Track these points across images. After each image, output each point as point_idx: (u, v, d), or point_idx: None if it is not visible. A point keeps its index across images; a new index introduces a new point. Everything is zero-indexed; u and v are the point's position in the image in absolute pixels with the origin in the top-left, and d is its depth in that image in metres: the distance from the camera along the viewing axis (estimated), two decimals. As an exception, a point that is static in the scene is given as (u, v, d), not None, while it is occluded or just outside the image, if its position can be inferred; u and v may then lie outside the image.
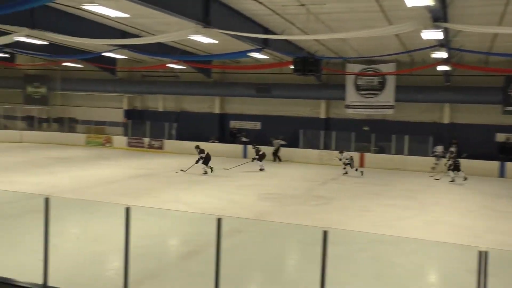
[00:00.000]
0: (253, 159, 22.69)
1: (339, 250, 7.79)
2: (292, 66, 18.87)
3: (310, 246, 9.76)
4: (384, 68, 25.08)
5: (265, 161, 22.62)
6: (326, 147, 27.00)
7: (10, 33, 16.97)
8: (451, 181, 20.16)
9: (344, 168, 21.64)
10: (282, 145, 26.73)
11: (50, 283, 5.99)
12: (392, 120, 26.66)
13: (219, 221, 5.38)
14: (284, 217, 12.91)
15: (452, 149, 22.24)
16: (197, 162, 20.38)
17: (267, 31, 17.35)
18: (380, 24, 15.18)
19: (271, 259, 9.36)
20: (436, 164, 23.79)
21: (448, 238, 11.13)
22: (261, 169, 22.28)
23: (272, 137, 27.57)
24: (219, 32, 14.31)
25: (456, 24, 13.95)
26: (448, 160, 21.04)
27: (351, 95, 26.46)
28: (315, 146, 27.12)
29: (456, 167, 20.30)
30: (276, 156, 26.53)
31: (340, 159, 21.92)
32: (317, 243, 5.29)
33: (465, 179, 19.89)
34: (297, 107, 29.17)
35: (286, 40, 19.33)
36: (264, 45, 17.69)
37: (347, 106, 26.73)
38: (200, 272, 8.26)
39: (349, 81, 26.39)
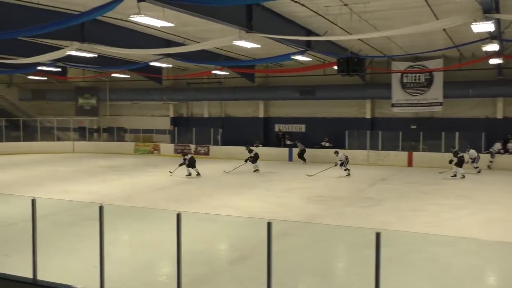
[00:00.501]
0: (246, 160, 22.68)
1: (392, 252, 7.59)
2: (336, 67, 18.68)
3: (361, 248, 9.59)
4: (431, 64, 24.39)
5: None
6: (373, 147, 26.51)
7: (62, 48, 17.63)
8: None
9: (346, 170, 21.03)
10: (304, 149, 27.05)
11: (107, 289, 6.13)
12: (441, 117, 25.92)
13: (269, 225, 5.35)
14: (333, 220, 12.75)
15: (510, 144, 21.35)
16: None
17: (310, 33, 17.25)
18: (426, 19, 14.78)
19: (322, 262, 9.24)
20: (491, 162, 22.90)
21: (507, 237, 10.67)
22: (255, 171, 22.34)
23: (297, 140, 27.96)
24: (262, 36, 14.35)
25: (509, 14, 13.40)
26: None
27: (397, 94, 25.89)
28: (362, 147, 26.68)
29: None
30: (302, 158, 26.69)
31: (336, 164, 21.25)
32: (368, 245, 5.16)
33: None
34: (342, 108, 28.83)
35: (329, 41, 19.15)
36: (307, 47, 17.61)
37: (393, 105, 26.19)
38: (251, 277, 8.26)
39: (395, 79, 25.84)
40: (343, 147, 27.19)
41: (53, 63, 23.06)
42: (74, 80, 33.60)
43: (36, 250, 6.51)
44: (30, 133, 33.57)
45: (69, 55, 18.44)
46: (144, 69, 25.73)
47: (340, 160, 21.27)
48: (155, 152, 31.62)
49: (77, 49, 17.10)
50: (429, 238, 10.24)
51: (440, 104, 24.90)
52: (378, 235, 4.89)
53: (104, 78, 33.10)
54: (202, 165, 25.15)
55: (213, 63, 23.75)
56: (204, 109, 33.11)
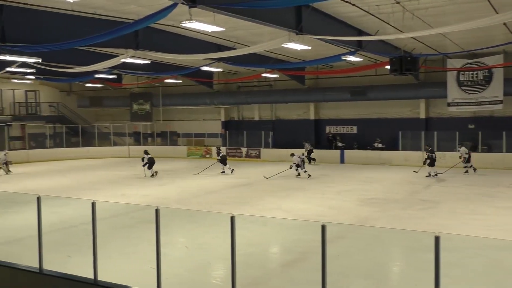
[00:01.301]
0: (218, 160, 23.32)
1: (451, 257, 7.32)
2: (388, 67, 18.29)
3: (418, 252, 9.32)
4: (490, 61, 23.39)
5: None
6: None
7: (117, 56, 18.23)
8: None
9: (305, 171, 20.98)
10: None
11: (163, 290, 6.24)
12: (501, 116, 24.83)
13: (323, 227, 5.28)
14: (387, 222, 12.45)
15: None
16: (290, 167, 20.91)
17: (361, 32, 16.99)
18: (484, 13, 14.18)
19: (376, 266, 9.05)
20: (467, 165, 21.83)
21: None
22: (222, 172, 22.82)
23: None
24: (312, 38, 14.26)
25: None
26: None
27: (453, 92, 25.01)
28: (416, 148, 25.96)
29: None
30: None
31: (291, 167, 21.18)
32: (425, 249, 5.00)
33: None
34: (395, 108, 28.19)
35: (381, 41, 18.80)
36: (358, 47, 17.34)
37: (449, 104, 25.31)
38: (305, 280, 8.20)
39: (451, 77, 24.98)
40: (396, 148, 26.68)
41: (109, 70, 23.92)
42: (129, 86, 34.69)
43: (97, 251, 6.72)
44: (88, 139, 34.90)
45: (124, 62, 19.02)
46: (195, 74, 26.22)
47: (294, 163, 21.21)
48: (207, 155, 32.05)
49: (132, 56, 17.65)
50: (490, 243, 9.81)
51: (501, 102, 23.82)
52: (437, 239, 4.72)
53: (157, 84, 33.98)
54: (253, 168, 25.35)
55: (263, 66, 23.85)
56: (255, 112, 33.29)
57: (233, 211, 8.97)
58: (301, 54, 22.10)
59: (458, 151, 22.74)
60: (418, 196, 16.61)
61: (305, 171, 21.03)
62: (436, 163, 20.91)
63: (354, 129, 29.87)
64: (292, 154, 21.64)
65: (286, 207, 14.65)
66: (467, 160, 21.98)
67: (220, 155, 23.57)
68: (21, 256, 8.23)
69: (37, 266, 7.20)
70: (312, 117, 31.00)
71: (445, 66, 24.83)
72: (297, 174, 21.28)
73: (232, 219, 5.81)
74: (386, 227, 11.53)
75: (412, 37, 18.09)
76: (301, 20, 13.31)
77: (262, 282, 8.27)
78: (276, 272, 9.10)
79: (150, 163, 22.23)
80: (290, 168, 21.21)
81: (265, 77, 28.21)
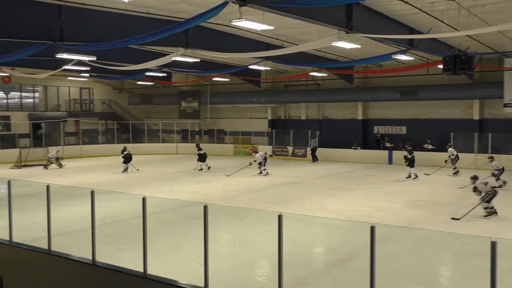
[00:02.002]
0: (198, 156, 24.06)
1: (506, 263, 7.04)
2: (441, 66, 17.75)
3: (468, 257, 9.04)
4: (551, 60, 22.34)
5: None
6: (481, 150, 24.79)
7: (168, 54, 18.59)
8: None
9: (265, 169, 21.79)
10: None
11: (210, 286, 6.31)
12: None
13: (372, 229, 5.20)
14: (436, 226, 12.12)
15: None
16: (250, 164, 22.15)
17: (412, 31, 16.59)
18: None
19: (425, 269, 8.84)
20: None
21: None
22: (199, 169, 23.49)
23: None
24: (362, 36, 14.05)
25: None
26: None
27: (510, 93, 24.00)
28: (468, 150, 25.07)
29: None
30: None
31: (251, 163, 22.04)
32: (476, 254, 4.83)
33: None
34: (447, 109, 27.37)
35: (433, 39, 18.28)
36: (409, 46, 16.94)
37: (506, 105, 24.31)
38: (351, 281, 8.11)
39: (508, 77, 23.97)
40: (447, 150, 25.84)
41: (159, 68, 24.44)
42: (178, 84, 35.30)
43: (147, 246, 6.87)
44: (138, 135, 35.80)
45: (174, 61, 19.38)
46: (243, 72, 26.37)
47: (255, 161, 22.03)
48: (253, 154, 32.08)
49: (182, 55, 17.94)
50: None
51: None
52: (493, 245, 4.55)
53: (205, 82, 34.42)
54: (299, 168, 25.26)
55: (311, 65, 23.71)
56: (302, 111, 33.15)
57: (278, 210, 8.99)
58: (350, 53, 21.82)
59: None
60: (468, 199, 16.02)
61: (265, 169, 21.83)
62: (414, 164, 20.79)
63: (403, 130, 29.23)
64: (255, 152, 22.94)
65: (332, 207, 14.52)
66: (455, 161, 22.01)
67: (201, 152, 24.15)
68: (74, 248, 8.53)
69: (90, 258, 7.45)
70: (360, 117, 30.56)
71: (502, 65, 23.86)
72: (259, 172, 21.91)
73: (280, 217, 5.81)
74: (436, 230, 11.23)
75: (467, 35, 17.51)
76: (351, 18, 13.15)
77: (308, 282, 8.22)
78: (321, 272, 9.04)
79: (126, 159, 23.40)
80: (250, 164, 22.17)
81: (313, 76, 28.01)
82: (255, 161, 22.00)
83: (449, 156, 22.20)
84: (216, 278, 6.66)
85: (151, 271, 6.94)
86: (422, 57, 22.22)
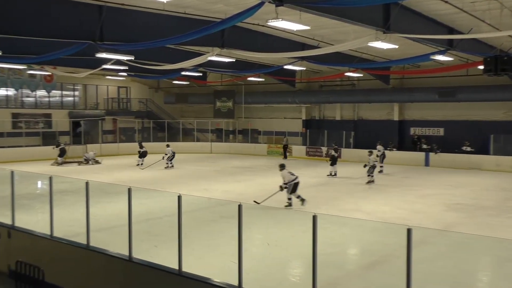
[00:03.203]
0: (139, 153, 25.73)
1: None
2: (481, 67, 17.31)
3: (507, 262, 8.77)
4: None
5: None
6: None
7: (204, 54, 18.78)
8: None
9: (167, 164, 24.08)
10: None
11: (244, 285, 6.34)
12: None
13: (409, 231, 5.12)
14: (474, 230, 11.82)
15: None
16: (163, 158, 24.31)
17: (452, 31, 16.23)
18: None
19: (463, 274, 8.67)
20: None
21: None
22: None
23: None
24: (400, 36, 13.83)
25: None
26: None
27: (555, 95, 23.18)
28: (509, 153, 24.33)
29: None
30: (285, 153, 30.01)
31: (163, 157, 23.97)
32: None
33: None
34: (486, 110, 26.63)
35: (474, 39, 17.83)
36: (449, 46, 16.58)
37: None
38: (386, 284, 8.01)
39: (552, 79, 23.17)
40: (487, 152, 25.23)
41: (195, 68, 24.71)
42: (213, 84, 35.60)
43: (182, 244, 6.96)
44: (173, 134, 36.28)
45: (210, 61, 19.56)
46: (278, 72, 26.37)
47: (166, 154, 24.28)
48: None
49: (217, 55, 18.09)
50: None
51: None
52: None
53: (240, 82, 34.59)
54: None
55: (347, 65, 23.52)
56: (336, 111, 32.90)
57: (311, 210, 8.94)
58: (387, 53, 21.51)
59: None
60: (510, 203, 15.61)
61: (172, 165, 24.41)
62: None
63: (440, 131, 28.63)
64: (168, 145, 25.16)
65: (366, 209, 14.35)
66: (381, 160, 23.32)
67: (142, 149, 25.82)
68: (111, 243, 8.72)
69: (127, 254, 7.60)
70: (396, 118, 30.09)
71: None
72: (166, 166, 24.38)
73: (314, 218, 5.79)
74: (474, 234, 10.95)
75: (510, 36, 17.02)
76: (389, 18, 12.97)
77: (341, 283, 8.18)
78: (355, 274, 8.96)
79: (142, 154, 25.69)
80: (163, 158, 24.22)
81: (348, 76, 27.77)
82: (166, 154, 24.51)
83: (377, 155, 22.71)
84: (250, 277, 6.68)
85: (185, 268, 7.02)
86: (461, 57, 21.71)
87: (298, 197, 14.19)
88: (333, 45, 18.18)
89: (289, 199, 14.25)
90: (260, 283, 7.71)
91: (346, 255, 10.45)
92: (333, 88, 32.06)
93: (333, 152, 21.85)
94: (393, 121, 30.18)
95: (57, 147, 26.25)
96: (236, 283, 6.39)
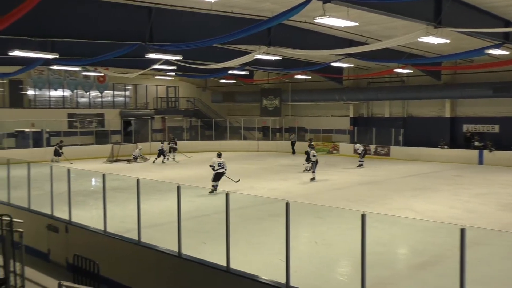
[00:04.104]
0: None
1: None
2: (540, 60, 16.55)
3: None
4: None
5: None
6: None
7: (250, 52, 18.88)
8: None
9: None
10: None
11: (291, 283, 6.34)
12: None
13: (462, 231, 4.96)
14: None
15: None
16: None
17: (508, 23, 15.59)
18: None
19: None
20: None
21: None
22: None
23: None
24: (452, 31, 13.40)
25: None
26: None
27: None
28: None
29: None
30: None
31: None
32: None
33: None
34: (546, 106, 25.44)
35: (532, 32, 17.05)
36: (505, 39, 15.94)
37: None
38: (437, 285, 7.81)
39: None
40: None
41: (242, 67, 24.86)
42: (260, 82, 35.72)
43: (230, 241, 7.02)
44: (220, 132, 36.70)
45: (256, 59, 19.62)
46: (325, 69, 26.12)
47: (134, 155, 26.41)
48: (334, 151, 31.83)
49: (264, 53, 18.14)
50: None
51: None
52: None
53: (286, 80, 34.55)
54: (381, 166, 24.63)
55: (396, 61, 23.01)
56: (385, 108, 32.27)
57: (359, 209, 8.84)
58: (438, 48, 20.88)
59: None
60: None
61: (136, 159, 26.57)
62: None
63: (495, 128, 27.52)
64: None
65: (417, 208, 14.03)
66: (363, 155, 24.66)
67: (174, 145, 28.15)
68: (160, 240, 8.92)
69: (176, 250, 7.76)
70: (447, 115, 29.18)
71: None
72: (132, 159, 26.62)
73: (363, 216, 5.71)
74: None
75: None
76: (440, 12, 12.59)
77: (391, 283, 8.04)
78: (405, 274, 8.79)
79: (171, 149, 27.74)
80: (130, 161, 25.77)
81: (397, 73, 27.20)
82: (134, 155, 27.01)
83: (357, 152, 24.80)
84: (297, 275, 6.66)
85: (233, 265, 7.09)
86: (518, 51, 20.80)
87: (215, 186, 16.16)
88: (381, 41, 17.82)
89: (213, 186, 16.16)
90: (308, 282, 7.68)
91: (396, 255, 10.26)
92: (382, 85, 31.46)
93: (308, 149, 21.65)
94: (445, 118, 29.27)
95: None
96: (283, 280, 6.39)
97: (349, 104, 33.43)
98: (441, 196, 16.09)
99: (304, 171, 21.70)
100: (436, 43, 15.74)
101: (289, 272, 6.35)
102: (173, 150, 28.11)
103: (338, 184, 18.86)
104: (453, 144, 27.98)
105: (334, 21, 11.92)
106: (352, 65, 26.91)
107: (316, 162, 19.95)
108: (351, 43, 19.50)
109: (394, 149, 29.25)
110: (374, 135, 30.58)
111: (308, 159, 21.32)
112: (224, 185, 16.02)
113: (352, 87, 32.82)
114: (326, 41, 18.75)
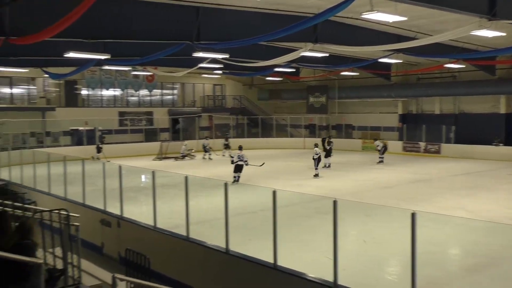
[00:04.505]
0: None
1: None
2: None
3: None
4: None
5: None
6: None
7: (296, 49, 18.80)
8: None
9: None
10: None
11: (339, 282, 6.29)
12: None
13: (518, 232, 4.78)
14: None
15: None
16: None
17: None
18: None
19: None
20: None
21: None
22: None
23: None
24: (508, 23, 12.85)
25: None
26: None
27: None
28: None
29: None
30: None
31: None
32: None
33: None
34: None
35: None
36: None
37: None
38: (492, 288, 7.54)
39: None
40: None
41: (288, 64, 24.81)
42: (306, 79, 35.53)
43: (277, 238, 7.04)
44: (267, 130, 36.77)
45: (302, 56, 19.51)
46: (372, 66, 25.69)
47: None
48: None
49: (310, 50, 18.01)
50: None
51: None
52: None
53: (333, 77, 34.18)
54: (431, 164, 23.99)
55: (447, 56, 22.30)
56: (435, 105, 31.37)
57: (410, 207, 8.66)
58: (493, 42, 20.03)
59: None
60: None
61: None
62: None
63: (556, 124, 26.25)
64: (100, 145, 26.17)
65: (470, 207, 13.59)
66: (382, 152, 25.07)
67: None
68: (208, 236, 9.05)
69: (224, 246, 7.85)
70: (502, 111, 28.05)
71: None
72: (179, 157, 27.16)
73: (413, 215, 5.60)
74: None
75: None
76: (495, 4, 12.08)
77: (442, 283, 7.84)
78: (457, 275, 8.53)
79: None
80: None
81: (448, 68, 26.34)
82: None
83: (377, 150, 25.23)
84: (345, 273, 6.61)
85: (280, 262, 7.10)
86: None
87: (237, 177, 17.89)
88: (431, 35, 17.28)
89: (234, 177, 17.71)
90: (356, 281, 7.59)
91: (447, 255, 9.99)
92: (432, 81, 30.59)
93: (326, 145, 21.81)
94: (499, 114, 28.15)
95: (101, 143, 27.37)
96: (330, 279, 6.35)
97: (397, 100, 32.71)
98: (495, 196, 15.52)
99: (324, 167, 21.74)
100: (490, 36, 15.12)
101: (337, 270, 6.30)
102: (227, 147, 28.61)
103: (387, 182, 18.51)
104: (509, 142, 26.84)
105: (382, 16, 11.68)
106: (400, 61, 26.26)
107: (319, 159, 20.25)
108: (399, 38, 19.03)
109: (445, 147, 28.39)
110: (424, 133, 29.77)
111: (328, 155, 21.51)
112: (270, 183, 16.06)
113: (400, 83, 32.09)
114: (373, 36, 18.42)
